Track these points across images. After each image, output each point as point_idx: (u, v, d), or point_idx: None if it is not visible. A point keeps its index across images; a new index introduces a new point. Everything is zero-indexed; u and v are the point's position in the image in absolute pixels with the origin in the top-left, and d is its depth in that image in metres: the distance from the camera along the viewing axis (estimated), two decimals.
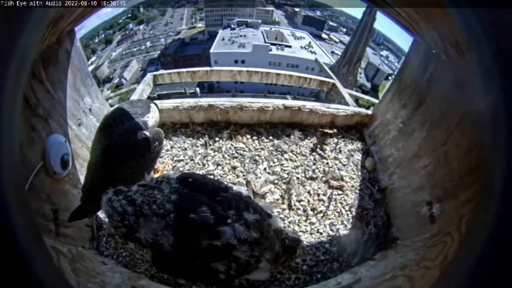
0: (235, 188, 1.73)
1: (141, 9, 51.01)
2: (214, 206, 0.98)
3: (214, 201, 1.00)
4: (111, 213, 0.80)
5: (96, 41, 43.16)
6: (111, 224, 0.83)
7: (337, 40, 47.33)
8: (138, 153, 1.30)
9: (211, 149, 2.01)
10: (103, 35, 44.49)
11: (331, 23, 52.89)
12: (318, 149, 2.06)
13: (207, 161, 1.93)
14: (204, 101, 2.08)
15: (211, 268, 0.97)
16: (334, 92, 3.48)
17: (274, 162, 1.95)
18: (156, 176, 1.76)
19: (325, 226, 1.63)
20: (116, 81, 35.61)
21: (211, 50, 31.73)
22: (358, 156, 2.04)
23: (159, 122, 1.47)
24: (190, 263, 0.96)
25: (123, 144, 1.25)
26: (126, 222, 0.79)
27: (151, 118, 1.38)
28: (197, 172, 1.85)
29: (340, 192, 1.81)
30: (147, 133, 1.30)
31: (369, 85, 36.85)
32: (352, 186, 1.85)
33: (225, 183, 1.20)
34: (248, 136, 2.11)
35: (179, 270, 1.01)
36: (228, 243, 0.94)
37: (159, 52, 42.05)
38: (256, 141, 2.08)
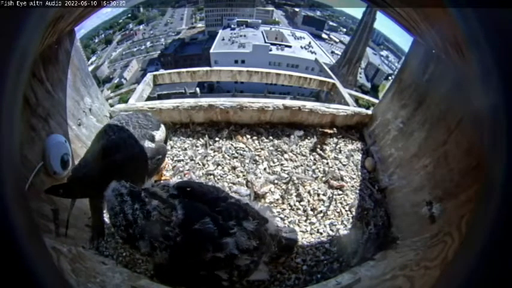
0: (235, 188, 1.75)
1: (141, 9, 51.02)
2: (216, 216, 0.97)
3: (214, 211, 0.99)
4: (117, 211, 0.78)
5: (96, 41, 43.16)
6: (112, 220, 0.81)
7: (337, 40, 47.32)
8: (141, 158, 1.32)
9: (211, 149, 2.01)
10: (103, 35, 44.49)
11: (331, 23, 52.89)
12: (318, 149, 2.06)
13: (207, 161, 1.93)
14: (204, 101, 2.08)
15: (215, 276, 0.98)
16: (334, 92, 3.48)
17: (274, 162, 1.95)
18: (155, 177, 1.78)
19: (325, 226, 1.63)
20: (116, 81, 35.63)
21: (211, 50, 31.73)
22: (358, 156, 2.04)
23: (163, 140, 1.56)
24: (193, 274, 0.96)
25: (130, 145, 1.29)
26: (131, 231, 0.79)
27: (159, 135, 1.47)
28: (197, 172, 1.86)
29: (340, 192, 1.80)
30: (153, 144, 1.37)
31: (369, 85, 36.85)
32: (352, 186, 1.85)
33: (223, 188, 1.19)
34: (248, 136, 2.11)
35: (181, 280, 1.01)
36: (230, 253, 0.95)
37: (159, 52, 42.05)
38: (256, 141, 2.08)
